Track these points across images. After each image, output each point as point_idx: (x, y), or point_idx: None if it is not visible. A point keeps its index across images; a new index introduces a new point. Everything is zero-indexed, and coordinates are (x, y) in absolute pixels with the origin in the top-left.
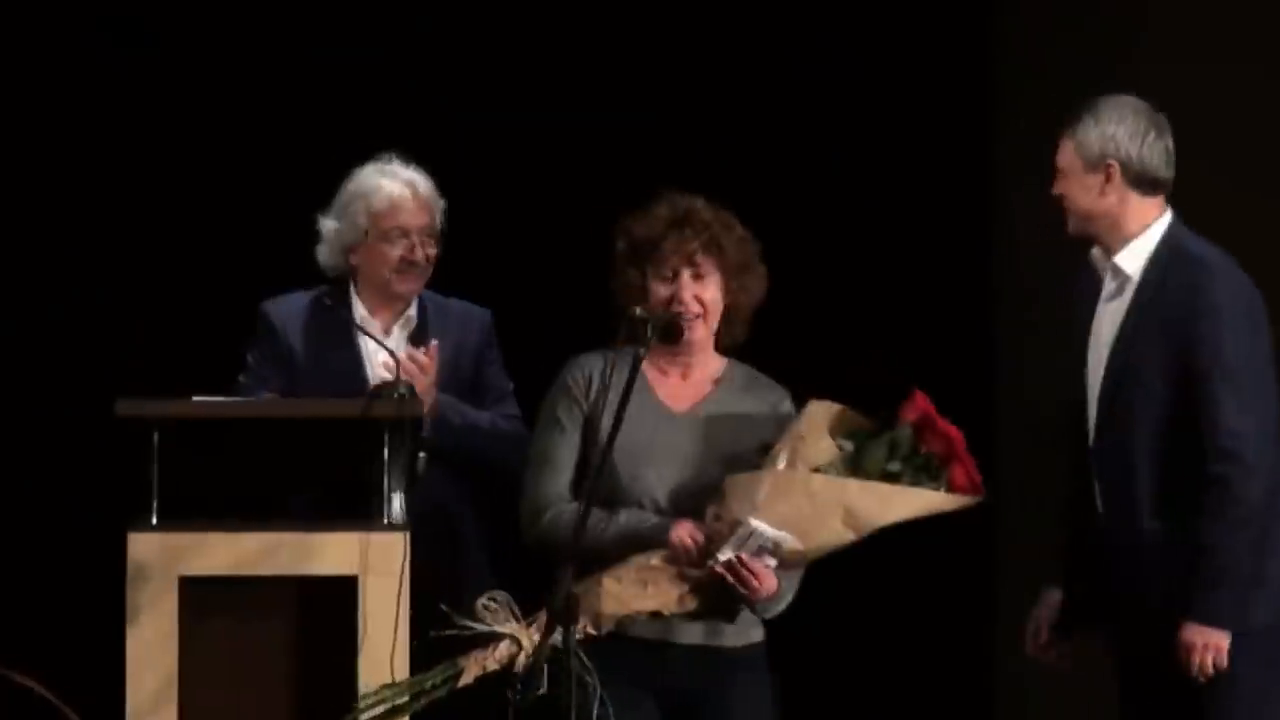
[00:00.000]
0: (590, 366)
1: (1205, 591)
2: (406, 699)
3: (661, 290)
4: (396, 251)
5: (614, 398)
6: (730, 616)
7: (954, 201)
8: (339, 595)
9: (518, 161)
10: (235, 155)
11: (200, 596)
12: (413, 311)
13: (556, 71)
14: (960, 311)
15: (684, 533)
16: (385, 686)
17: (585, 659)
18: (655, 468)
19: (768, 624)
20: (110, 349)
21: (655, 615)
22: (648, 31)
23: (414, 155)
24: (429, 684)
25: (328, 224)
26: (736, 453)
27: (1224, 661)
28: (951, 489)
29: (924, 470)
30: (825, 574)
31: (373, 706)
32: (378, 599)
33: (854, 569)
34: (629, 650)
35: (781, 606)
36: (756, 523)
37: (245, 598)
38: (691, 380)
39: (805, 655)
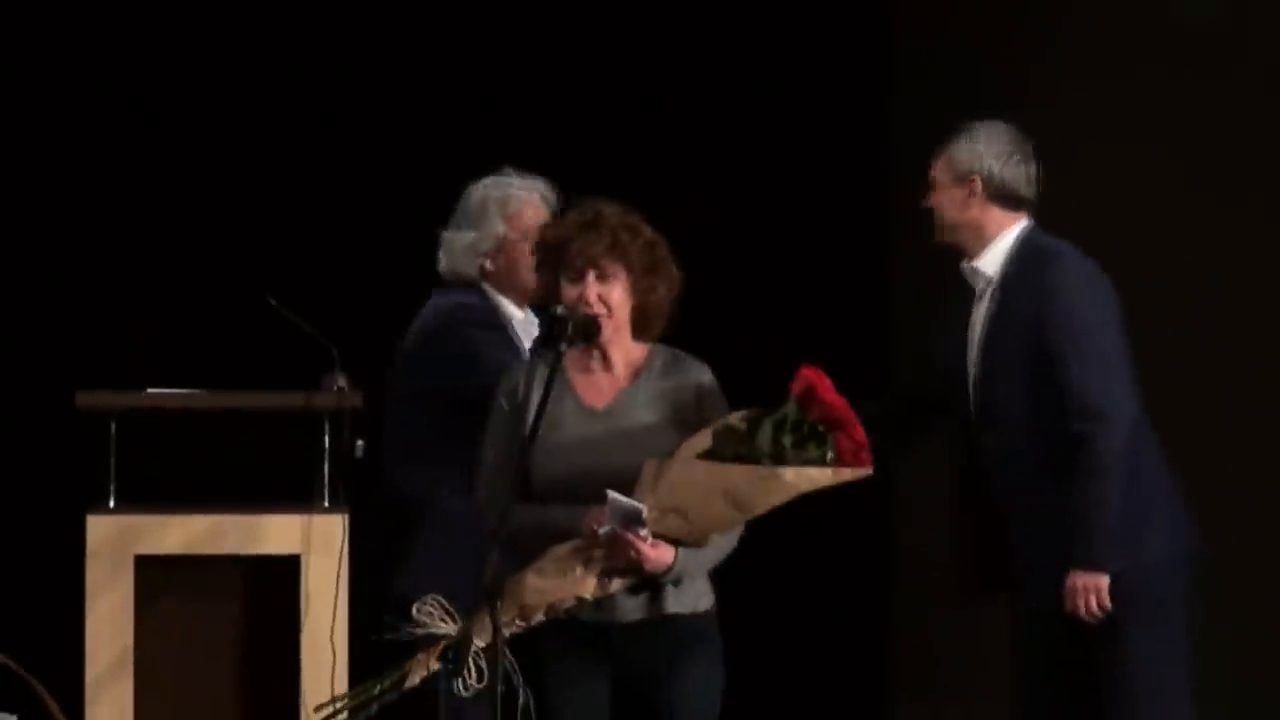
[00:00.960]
0: (515, 376)
1: (1081, 538)
2: (357, 705)
3: (570, 290)
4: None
5: (536, 399)
6: (653, 589)
7: (850, 197)
8: (283, 574)
9: (425, 162)
10: (202, 145)
11: (154, 575)
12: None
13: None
14: (856, 293)
15: (590, 519)
16: (336, 697)
17: (508, 650)
18: (577, 463)
19: (719, 591)
20: (71, 341)
21: (581, 601)
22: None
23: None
24: (377, 689)
25: (460, 235)
26: (656, 440)
27: (1105, 601)
28: (838, 454)
29: (811, 439)
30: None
31: (325, 715)
32: (319, 578)
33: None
34: (577, 634)
35: (697, 573)
36: (613, 494)
37: (196, 576)
38: (612, 374)
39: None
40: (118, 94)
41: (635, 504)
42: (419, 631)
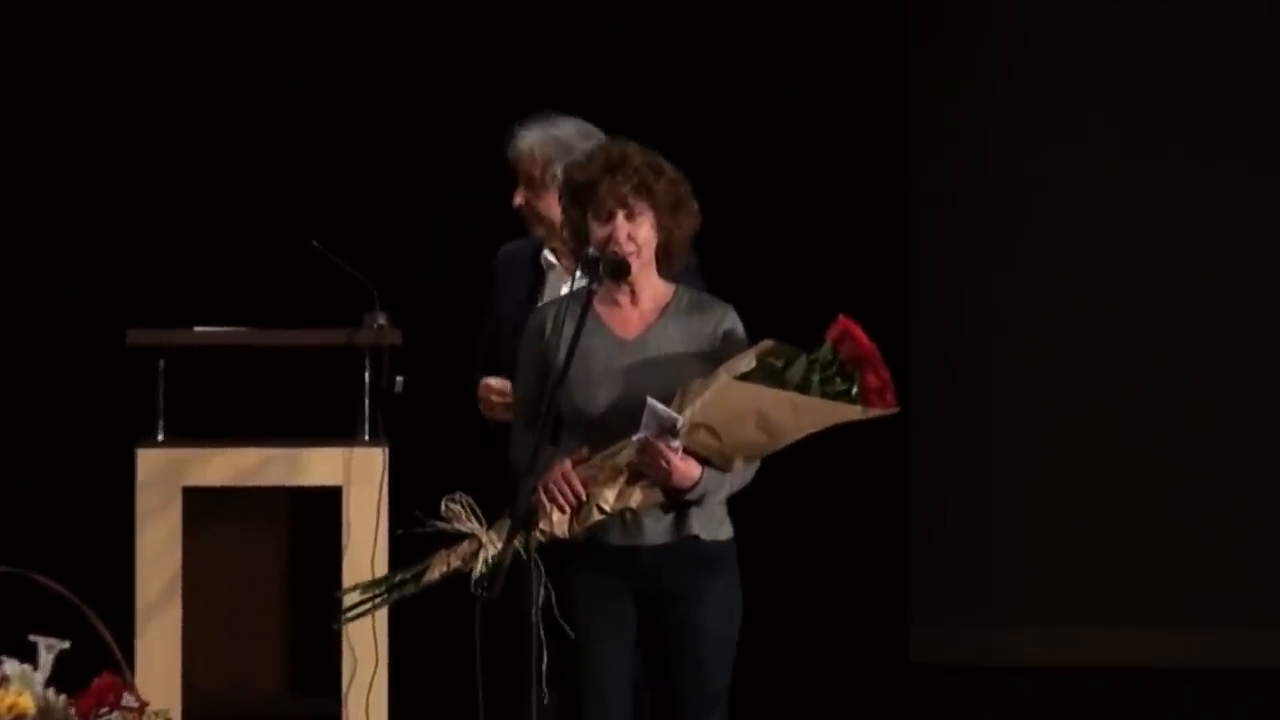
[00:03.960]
0: (545, 313)
1: None
2: (378, 592)
3: (599, 230)
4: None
5: (569, 332)
6: (678, 514)
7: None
8: (325, 504)
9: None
10: (249, 86)
11: (201, 506)
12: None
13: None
14: (876, 250)
15: (573, 456)
16: (358, 584)
17: (539, 561)
18: (607, 390)
19: (736, 524)
20: (122, 280)
21: (602, 512)
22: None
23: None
24: (397, 578)
25: None
26: (682, 372)
27: None
28: (863, 391)
29: (839, 375)
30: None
31: (350, 600)
32: (359, 508)
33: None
34: (603, 554)
35: (717, 496)
36: (653, 401)
37: (241, 506)
38: (640, 309)
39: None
40: (169, 35)
41: (673, 413)
42: (445, 527)
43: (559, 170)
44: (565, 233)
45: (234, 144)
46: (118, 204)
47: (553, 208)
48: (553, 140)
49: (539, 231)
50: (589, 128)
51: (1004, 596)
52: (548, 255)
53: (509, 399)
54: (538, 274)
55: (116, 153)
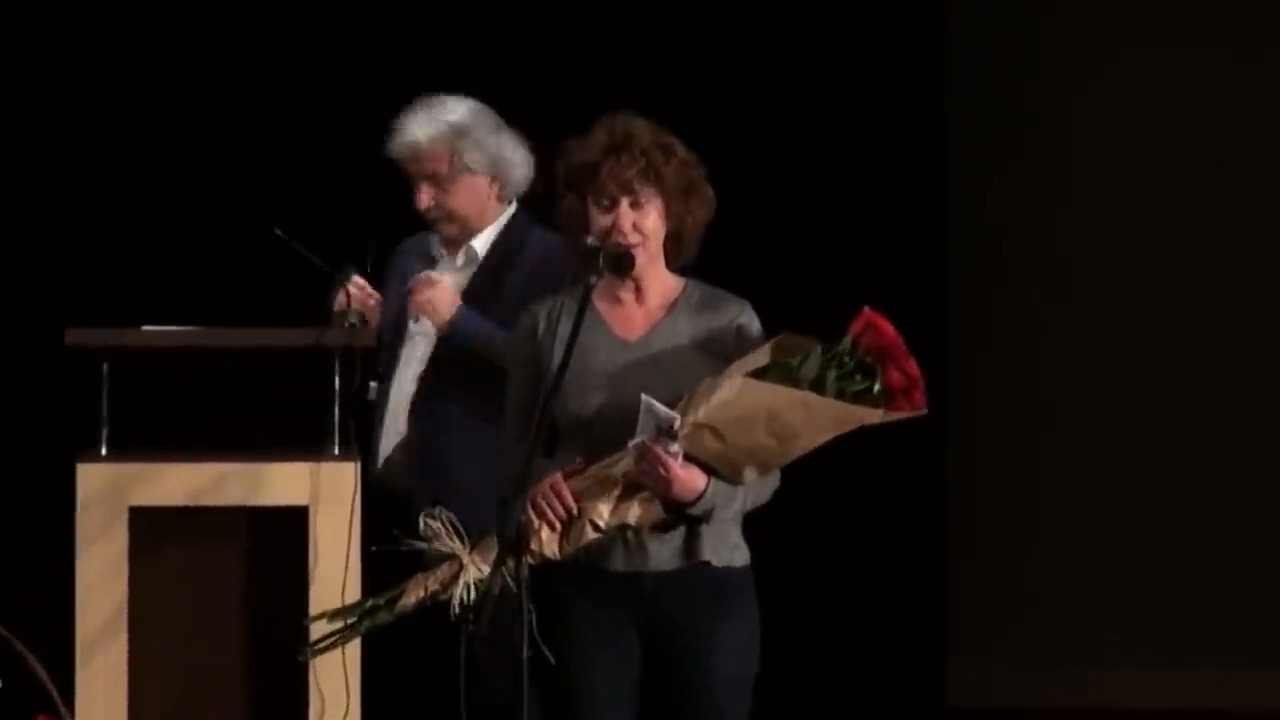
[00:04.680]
0: (537, 311)
1: None
2: (348, 622)
3: (601, 218)
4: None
5: (565, 331)
6: (686, 536)
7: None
8: (290, 525)
9: None
10: (200, 65)
11: (150, 527)
12: (480, 242)
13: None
14: (912, 241)
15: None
16: (327, 612)
17: (530, 587)
18: (607, 397)
19: (754, 547)
20: (60, 275)
21: (596, 529)
22: None
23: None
24: (370, 606)
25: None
26: (692, 375)
27: None
28: (886, 389)
29: (859, 371)
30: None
31: (318, 632)
32: (328, 529)
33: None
34: (604, 582)
35: (728, 512)
36: (649, 399)
37: (196, 529)
38: (645, 306)
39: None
40: (110, 23)
41: (670, 412)
42: (424, 547)
43: (469, 158)
44: (562, 223)
45: (184, 122)
46: (55, 189)
47: (466, 201)
48: (448, 127)
49: (450, 230)
50: (479, 105)
51: (1048, 634)
52: (437, 246)
53: (367, 291)
54: (426, 268)
55: (54, 133)
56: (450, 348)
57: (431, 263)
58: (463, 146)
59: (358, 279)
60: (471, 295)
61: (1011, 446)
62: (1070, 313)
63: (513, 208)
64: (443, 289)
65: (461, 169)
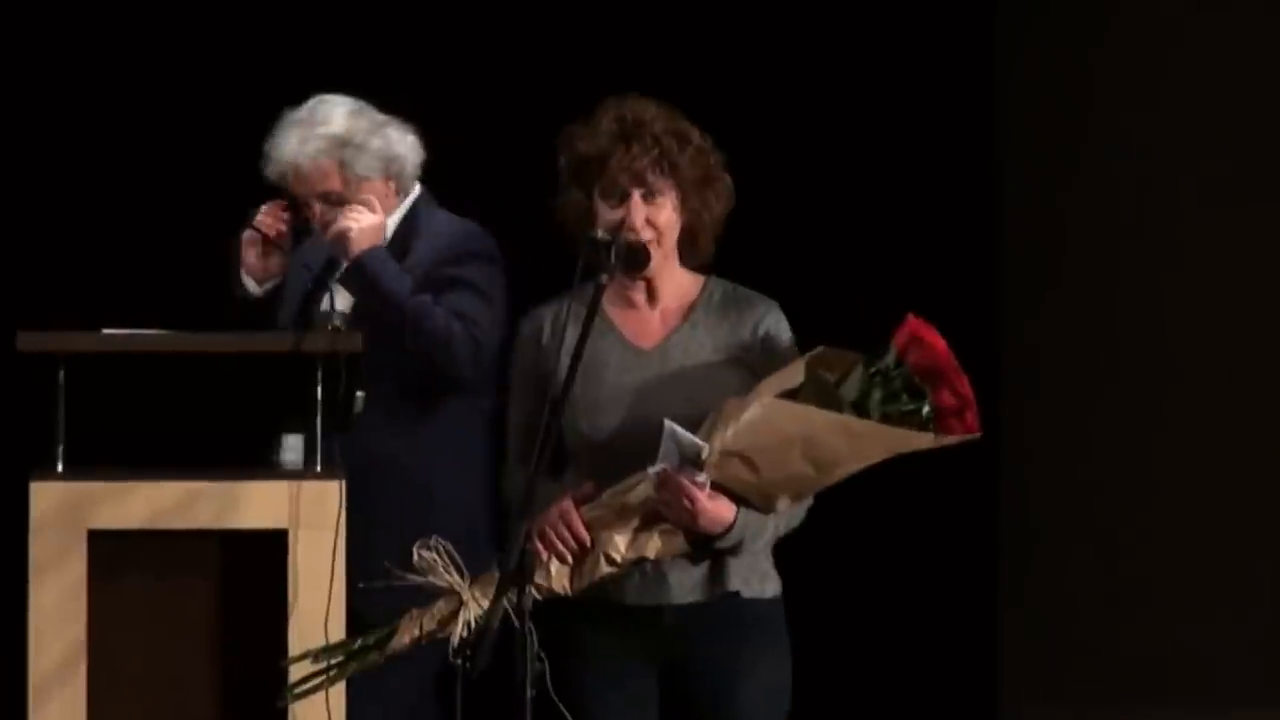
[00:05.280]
0: (540, 317)
1: None
2: (333, 662)
3: (610, 214)
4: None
5: (572, 340)
6: (711, 565)
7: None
8: (267, 551)
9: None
10: (161, 58)
11: (112, 552)
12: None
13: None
14: (960, 242)
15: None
16: (310, 651)
17: (533, 628)
18: (620, 412)
19: (785, 577)
20: (12, 274)
21: (612, 563)
22: None
23: None
24: (358, 645)
25: None
26: (713, 388)
27: None
28: (937, 411)
29: (906, 390)
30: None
31: (299, 674)
32: (310, 556)
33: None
34: (618, 616)
35: (758, 544)
36: (671, 424)
37: (162, 554)
38: (661, 310)
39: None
40: (62, 21)
41: (696, 440)
42: (418, 580)
43: (360, 167)
44: (561, 219)
45: (142, 113)
46: (6, 183)
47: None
48: (328, 141)
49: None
50: (354, 104)
51: (1102, 676)
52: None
53: (279, 215)
54: (327, 276)
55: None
56: (356, 291)
57: (332, 270)
58: (349, 157)
59: (276, 203)
60: None
61: (1066, 475)
62: (1134, 329)
63: (414, 193)
64: (371, 221)
65: (356, 181)
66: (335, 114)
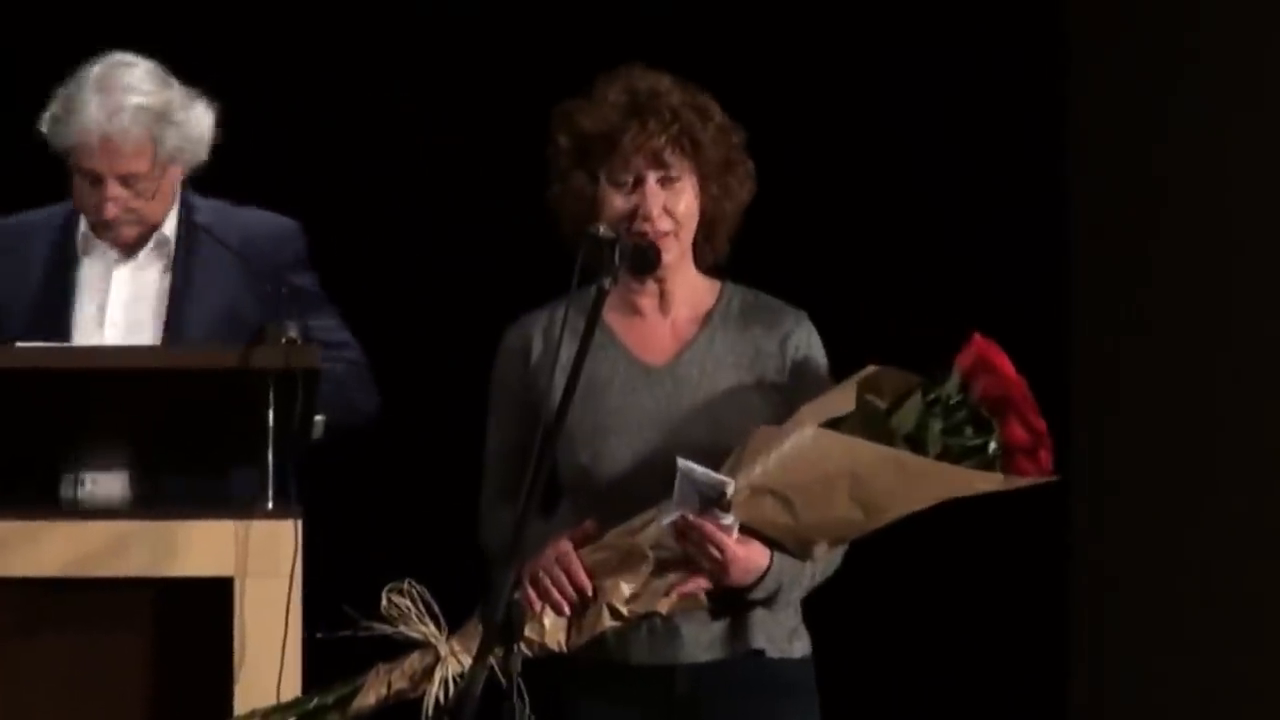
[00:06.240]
0: (529, 326)
1: None
2: None
3: (620, 201)
4: (90, 200)
5: (566, 357)
6: (732, 619)
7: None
8: (210, 602)
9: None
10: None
11: (25, 605)
12: (169, 230)
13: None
14: (1031, 259)
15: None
16: (257, 711)
17: (524, 691)
18: (627, 440)
19: (815, 633)
20: None
21: (616, 615)
22: None
23: None
24: (314, 705)
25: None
26: (737, 411)
27: None
28: (1006, 449)
29: (971, 423)
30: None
31: None
32: (259, 605)
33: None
34: (622, 678)
35: (794, 593)
36: (685, 463)
37: (87, 606)
38: (672, 319)
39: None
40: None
41: (716, 476)
42: (387, 631)
43: (172, 147)
44: (559, 208)
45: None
46: None
47: (166, 202)
48: (147, 113)
49: (131, 235)
50: (161, 71)
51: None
52: (86, 230)
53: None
54: (63, 256)
55: None
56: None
57: (73, 253)
58: (164, 134)
59: None
60: (181, 288)
61: (1142, 518)
62: (1223, 364)
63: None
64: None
65: (164, 163)
66: (149, 82)
